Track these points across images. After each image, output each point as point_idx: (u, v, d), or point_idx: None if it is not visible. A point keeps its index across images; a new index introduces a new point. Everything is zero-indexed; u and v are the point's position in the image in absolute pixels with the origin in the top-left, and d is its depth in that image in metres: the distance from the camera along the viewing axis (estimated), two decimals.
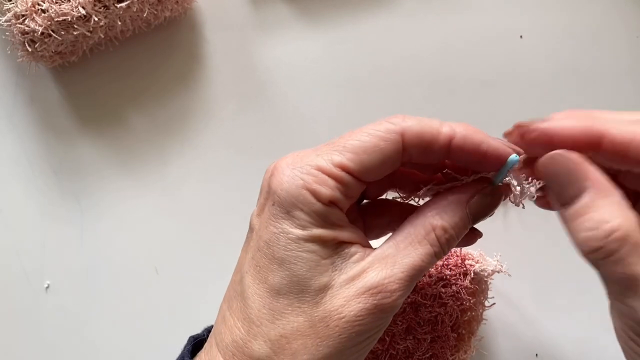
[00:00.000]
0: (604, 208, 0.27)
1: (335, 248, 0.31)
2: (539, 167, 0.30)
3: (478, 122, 0.51)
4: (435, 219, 0.31)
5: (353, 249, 0.31)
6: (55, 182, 0.52)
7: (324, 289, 0.30)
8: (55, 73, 0.52)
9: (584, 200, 0.28)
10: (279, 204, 0.31)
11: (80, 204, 0.51)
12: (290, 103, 0.51)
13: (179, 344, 0.36)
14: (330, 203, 0.31)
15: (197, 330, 0.38)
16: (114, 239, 0.51)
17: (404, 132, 0.31)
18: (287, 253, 0.30)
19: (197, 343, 0.35)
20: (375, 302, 0.30)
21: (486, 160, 0.31)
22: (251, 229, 0.33)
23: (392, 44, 0.50)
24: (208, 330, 0.36)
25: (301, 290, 0.30)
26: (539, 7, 0.50)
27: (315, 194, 0.30)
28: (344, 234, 0.31)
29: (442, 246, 0.31)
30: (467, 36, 0.50)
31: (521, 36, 0.50)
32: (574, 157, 0.29)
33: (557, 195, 0.29)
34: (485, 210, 0.32)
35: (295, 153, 0.32)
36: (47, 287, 0.51)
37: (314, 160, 0.31)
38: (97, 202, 0.51)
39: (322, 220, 0.31)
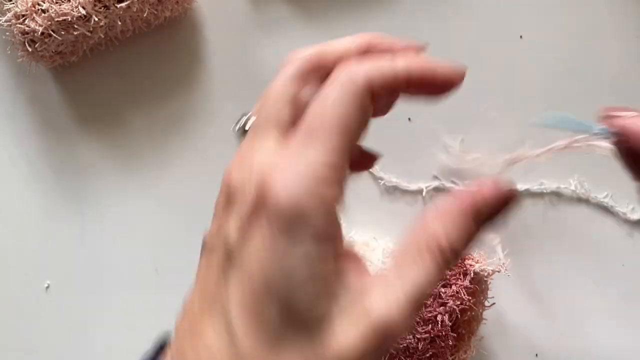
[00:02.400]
0: None
1: (334, 271, 0.27)
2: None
3: (478, 121, 0.50)
4: (439, 233, 0.28)
5: (349, 269, 0.27)
6: (55, 182, 0.52)
7: (323, 320, 0.26)
8: (55, 73, 0.52)
9: None
10: (278, 218, 0.25)
11: (80, 204, 0.51)
12: None
13: None
14: (335, 207, 0.26)
15: None
16: (114, 239, 0.51)
17: (370, 84, 0.27)
18: (288, 282, 0.26)
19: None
20: (377, 335, 0.26)
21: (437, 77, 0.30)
22: (228, 250, 0.28)
23: None
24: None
25: (300, 325, 0.26)
26: (539, 7, 0.50)
27: (324, 201, 0.25)
28: (339, 247, 0.27)
29: (448, 262, 0.28)
30: (467, 36, 0.50)
31: (521, 36, 0.50)
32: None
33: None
34: (495, 219, 0.29)
35: (280, 146, 0.27)
36: (47, 287, 0.51)
37: (312, 155, 0.26)
38: (97, 202, 0.51)
39: (325, 234, 0.26)
